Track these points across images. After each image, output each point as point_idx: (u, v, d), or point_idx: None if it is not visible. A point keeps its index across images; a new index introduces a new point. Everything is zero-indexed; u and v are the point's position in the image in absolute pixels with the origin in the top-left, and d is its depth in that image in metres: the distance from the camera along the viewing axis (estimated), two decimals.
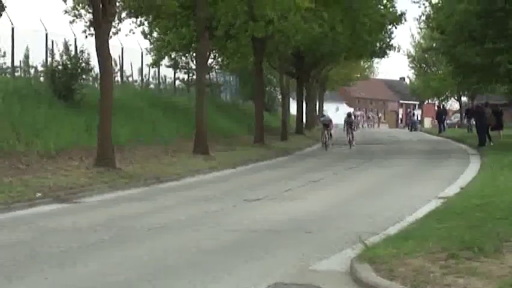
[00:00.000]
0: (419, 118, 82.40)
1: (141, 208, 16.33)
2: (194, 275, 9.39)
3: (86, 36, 30.01)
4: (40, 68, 31.49)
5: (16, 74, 30.65)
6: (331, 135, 38.68)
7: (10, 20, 28.15)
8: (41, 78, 31.17)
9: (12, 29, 28.83)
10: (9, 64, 30.11)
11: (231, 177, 24.18)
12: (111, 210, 16.14)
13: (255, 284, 8.80)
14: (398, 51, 51.32)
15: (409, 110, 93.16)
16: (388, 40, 49.43)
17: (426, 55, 67.22)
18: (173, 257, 10.58)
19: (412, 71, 78.96)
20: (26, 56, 30.83)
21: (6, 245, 11.77)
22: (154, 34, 39.26)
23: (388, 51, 50.41)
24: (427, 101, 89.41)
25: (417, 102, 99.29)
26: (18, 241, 12.11)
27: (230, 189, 20.10)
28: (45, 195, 17.41)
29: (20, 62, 31.01)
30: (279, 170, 26.77)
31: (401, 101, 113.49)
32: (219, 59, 46.65)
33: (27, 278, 9.33)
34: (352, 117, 43.20)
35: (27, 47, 30.52)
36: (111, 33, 24.28)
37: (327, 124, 38.79)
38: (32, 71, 31.68)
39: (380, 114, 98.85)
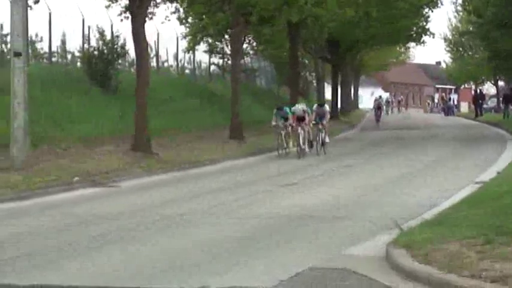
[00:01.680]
0: (455, 103, 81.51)
1: (174, 193, 16.44)
2: (227, 260, 9.44)
3: (122, 20, 30.17)
4: (77, 54, 31.76)
5: (53, 59, 30.93)
6: (309, 133, 25.91)
7: (47, 6, 28.38)
8: (78, 64, 31.43)
9: (50, 14, 29.05)
10: (46, 49, 30.40)
11: (266, 162, 24.23)
12: (146, 195, 16.29)
13: (289, 268, 8.82)
14: (433, 37, 50.72)
15: (443, 94, 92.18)
16: (424, 24, 48.95)
17: (463, 39, 66.50)
18: (205, 243, 10.61)
19: (449, 54, 78.19)
20: (63, 42, 31.10)
21: (43, 229, 11.92)
22: (190, 19, 39.35)
23: (424, 36, 49.90)
24: (463, 86, 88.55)
25: (453, 87, 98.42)
26: (54, 226, 12.25)
27: (263, 175, 20.15)
28: (82, 180, 17.60)
29: (57, 47, 31.29)
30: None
31: (437, 86, 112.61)
32: (254, 44, 46.68)
33: (59, 264, 9.42)
34: (326, 107, 28.24)
35: (63, 32, 30.78)
36: (146, 18, 24.36)
37: (302, 118, 25.61)
38: (69, 56, 31.97)
39: (401, 97, 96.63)
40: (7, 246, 10.46)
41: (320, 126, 26.42)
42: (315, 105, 27.88)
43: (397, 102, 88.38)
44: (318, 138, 26.43)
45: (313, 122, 26.15)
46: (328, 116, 27.32)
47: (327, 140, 26.84)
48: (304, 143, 25.41)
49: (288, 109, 26.00)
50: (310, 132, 26.02)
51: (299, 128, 25.26)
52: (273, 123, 25.90)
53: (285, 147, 25.37)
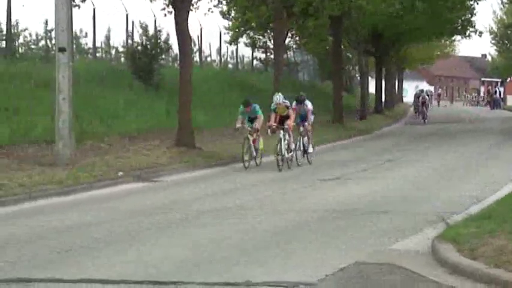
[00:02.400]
0: (501, 96, 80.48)
1: (218, 188, 16.42)
2: (270, 256, 9.36)
3: (165, 15, 30.30)
4: (121, 49, 32.01)
5: (97, 54, 31.19)
6: (290, 136, 20.25)
7: (92, 1, 28.60)
8: (122, 59, 31.66)
9: (94, 10, 29.29)
10: (90, 45, 30.68)
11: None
12: (189, 189, 16.36)
13: (335, 263, 8.77)
14: (480, 35, 49.97)
15: (489, 87, 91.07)
16: (469, 16, 48.35)
17: (508, 31, 65.71)
18: (249, 237, 10.60)
19: (494, 47, 77.30)
20: (107, 37, 31.36)
21: (84, 224, 11.94)
22: (233, 13, 39.42)
23: (469, 29, 49.28)
24: (509, 78, 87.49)
25: (500, 80, 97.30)
26: (96, 221, 12.23)
27: (306, 169, 20.05)
28: (126, 175, 17.67)
29: (101, 43, 31.58)
30: (356, 149, 26.60)
31: (483, 79, 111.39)
32: (297, 38, 46.62)
33: (101, 258, 9.47)
34: (308, 104, 21.40)
35: (108, 27, 31.02)
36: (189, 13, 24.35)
37: (286, 116, 20.37)
38: (113, 52, 32.22)
39: (440, 90, 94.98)
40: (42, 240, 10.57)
41: (301, 129, 21.26)
42: (294, 102, 21.22)
43: (437, 95, 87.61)
44: (298, 144, 21.14)
45: (293, 123, 20.69)
46: (311, 115, 21.58)
47: (311, 149, 21.51)
48: (291, 151, 20.20)
49: (258, 106, 20.80)
50: (292, 136, 20.44)
51: (281, 131, 19.90)
52: (237, 125, 20.39)
53: (255, 156, 20.34)
